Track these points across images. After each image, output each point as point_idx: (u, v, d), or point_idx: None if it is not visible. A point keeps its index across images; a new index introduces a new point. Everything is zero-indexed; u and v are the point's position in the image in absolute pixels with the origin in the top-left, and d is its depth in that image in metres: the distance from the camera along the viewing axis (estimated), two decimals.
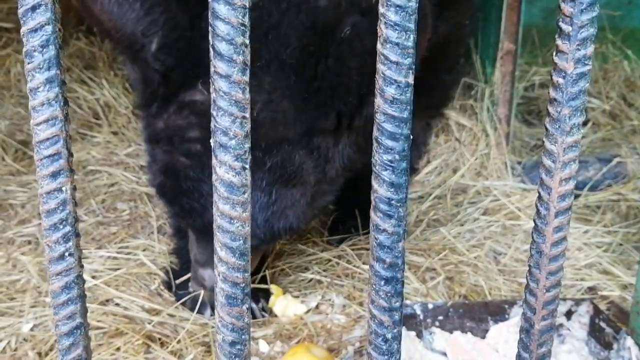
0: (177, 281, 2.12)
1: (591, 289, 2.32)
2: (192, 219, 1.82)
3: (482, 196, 2.93)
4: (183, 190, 1.77)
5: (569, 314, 1.78)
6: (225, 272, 0.77)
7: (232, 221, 0.76)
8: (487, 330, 1.74)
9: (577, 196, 2.88)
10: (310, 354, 1.74)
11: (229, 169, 0.75)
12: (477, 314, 1.74)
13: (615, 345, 1.65)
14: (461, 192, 2.95)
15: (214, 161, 0.75)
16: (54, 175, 0.76)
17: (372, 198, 0.78)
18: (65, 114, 0.75)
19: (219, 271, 0.78)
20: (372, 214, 0.79)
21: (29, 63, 0.72)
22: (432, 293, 2.28)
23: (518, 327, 1.78)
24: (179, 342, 1.89)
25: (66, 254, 0.77)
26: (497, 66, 3.28)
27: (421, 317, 1.73)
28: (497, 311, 1.74)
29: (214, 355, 1.86)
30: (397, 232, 0.78)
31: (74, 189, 0.78)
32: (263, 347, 1.96)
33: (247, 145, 0.75)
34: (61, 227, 0.77)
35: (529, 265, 0.83)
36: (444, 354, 1.69)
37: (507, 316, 1.74)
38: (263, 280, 2.16)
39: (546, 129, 0.79)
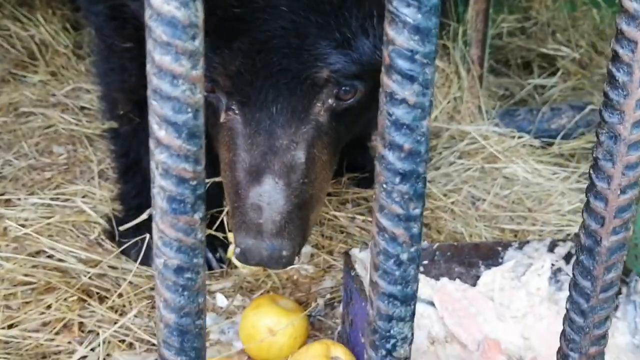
0: (121, 228, 1.84)
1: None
2: None
3: (456, 140, 2.71)
4: None
5: (568, 257, 1.58)
6: (166, 162, 0.52)
7: (176, 82, 0.50)
8: (478, 277, 1.52)
9: (550, 144, 2.75)
10: (276, 305, 1.50)
11: None
12: (466, 258, 1.52)
13: (624, 290, 1.45)
14: (434, 137, 2.73)
15: None
16: None
17: (384, 53, 0.53)
18: None
19: (157, 160, 0.52)
20: (383, 78, 0.54)
21: None
22: None
23: (514, 272, 1.57)
24: (120, 296, 1.62)
25: None
26: (470, 4, 3.05)
27: None
28: (490, 254, 1.52)
29: None
30: (421, 105, 0.53)
31: None
32: (221, 301, 1.72)
33: None
34: None
35: (596, 158, 0.59)
36: (431, 303, 1.46)
37: (500, 260, 1.53)
38: (220, 227, 1.90)
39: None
